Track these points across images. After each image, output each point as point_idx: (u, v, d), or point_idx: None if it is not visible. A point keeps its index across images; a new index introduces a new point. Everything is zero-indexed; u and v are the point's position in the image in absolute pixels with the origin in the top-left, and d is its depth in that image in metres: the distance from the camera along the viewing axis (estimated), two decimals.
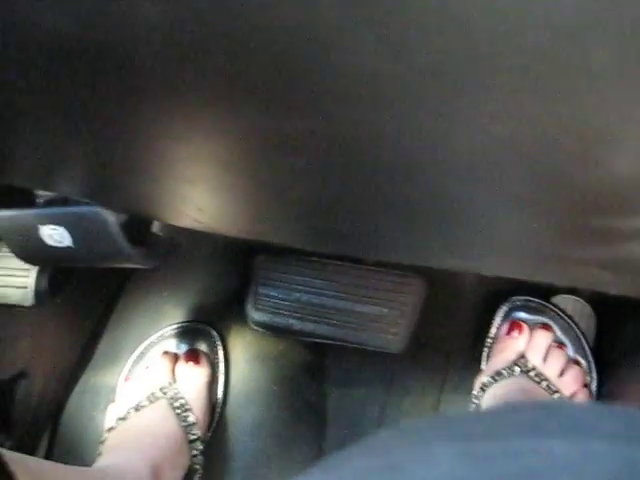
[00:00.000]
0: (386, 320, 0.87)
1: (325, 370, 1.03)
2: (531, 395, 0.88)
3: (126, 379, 0.99)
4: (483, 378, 0.92)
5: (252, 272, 0.92)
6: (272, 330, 0.92)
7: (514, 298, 0.99)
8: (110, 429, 0.92)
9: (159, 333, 1.02)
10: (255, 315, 0.91)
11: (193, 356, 0.97)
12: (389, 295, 0.88)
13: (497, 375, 0.90)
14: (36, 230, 0.58)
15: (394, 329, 0.87)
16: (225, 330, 1.02)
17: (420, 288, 0.88)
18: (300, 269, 0.91)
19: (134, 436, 0.88)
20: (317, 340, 0.92)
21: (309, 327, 0.90)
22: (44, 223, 0.57)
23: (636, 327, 0.95)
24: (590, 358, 0.95)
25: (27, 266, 0.74)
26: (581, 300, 1.01)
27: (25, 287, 0.73)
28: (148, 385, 0.95)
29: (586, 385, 0.93)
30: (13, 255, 0.72)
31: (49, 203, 0.59)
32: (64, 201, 0.59)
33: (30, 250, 0.61)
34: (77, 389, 1.03)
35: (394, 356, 1.01)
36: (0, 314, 0.87)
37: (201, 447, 0.92)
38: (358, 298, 0.88)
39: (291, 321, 0.90)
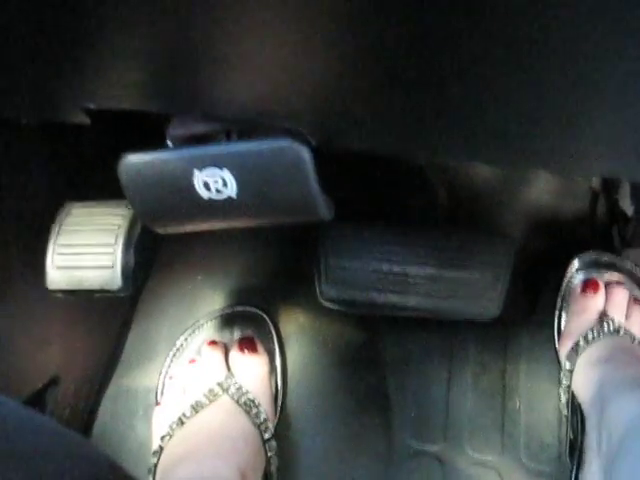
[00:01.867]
0: (480, 284, 0.78)
1: (382, 350, 0.91)
2: (634, 354, 0.81)
3: (170, 378, 0.84)
4: (570, 341, 0.84)
5: (320, 241, 0.79)
6: (349, 306, 0.80)
7: (584, 255, 0.91)
8: (164, 436, 0.77)
9: (199, 322, 0.87)
10: (328, 290, 0.79)
11: (249, 344, 0.84)
12: (481, 257, 0.78)
13: (587, 336, 0.82)
14: (189, 177, 0.44)
15: (489, 294, 0.77)
16: (276, 313, 0.89)
17: (510, 248, 0.79)
18: (376, 235, 0.80)
19: (208, 441, 0.74)
20: (401, 314, 0.81)
21: (392, 299, 0.79)
22: (204, 166, 0.44)
23: None
24: None
25: (109, 240, 0.58)
26: None
27: (111, 266, 0.58)
28: (200, 381, 0.81)
29: None
30: (90, 228, 0.57)
31: (193, 141, 0.45)
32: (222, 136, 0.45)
33: (170, 209, 0.47)
34: (109, 393, 0.87)
35: (451, 328, 0.91)
36: (31, 313, 0.70)
37: (275, 446, 0.79)
38: (446, 263, 0.78)
39: (372, 294, 0.79)
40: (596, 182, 1.06)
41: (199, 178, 0.45)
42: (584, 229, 1.02)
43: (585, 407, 0.80)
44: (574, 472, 0.82)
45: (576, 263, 0.92)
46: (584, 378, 0.81)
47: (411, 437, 0.88)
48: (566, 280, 0.92)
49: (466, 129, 0.38)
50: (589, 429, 0.78)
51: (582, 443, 0.83)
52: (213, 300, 0.91)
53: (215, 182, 0.45)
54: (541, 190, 1.01)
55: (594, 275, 0.91)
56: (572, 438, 0.85)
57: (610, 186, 1.04)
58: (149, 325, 0.91)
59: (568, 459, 0.85)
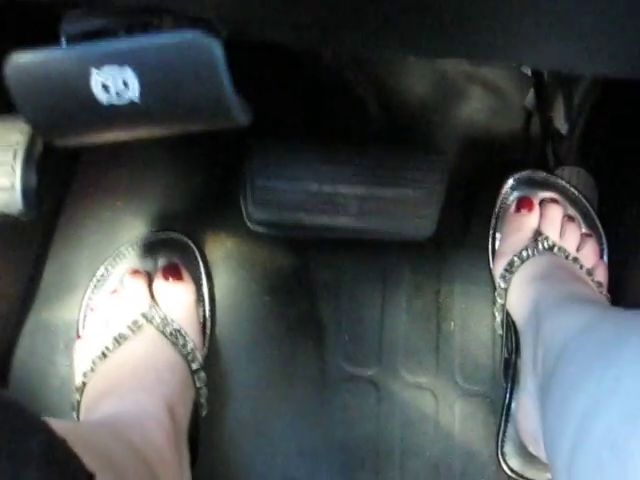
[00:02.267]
0: (414, 202, 0.74)
1: (313, 274, 0.88)
2: (569, 271, 0.79)
3: (91, 310, 0.79)
4: (504, 260, 0.83)
5: (245, 160, 0.74)
6: (277, 228, 0.76)
7: (518, 173, 0.89)
8: (87, 372, 0.73)
9: (120, 250, 0.82)
10: (255, 212, 0.75)
11: (173, 271, 0.80)
12: (415, 174, 0.75)
13: (521, 254, 0.81)
14: (86, 78, 0.39)
15: (423, 212, 0.75)
16: (201, 238, 0.84)
17: (445, 163, 0.75)
18: (304, 154, 0.76)
19: (132, 374, 0.71)
20: (333, 235, 0.78)
21: (323, 220, 0.75)
22: (102, 64, 0.38)
23: (638, 195, 0.89)
24: (600, 230, 0.89)
25: (7, 158, 0.52)
26: (583, 171, 0.93)
27: (10, 187, 0.52)
28: (123, 312, 0.77)
29: (600, 256, 0.86)
30: None
31: (90, 38, 0.40)
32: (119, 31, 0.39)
33: (66, 117, 0.41)
34: (27, 329, 0.82)
35: (384, 249, 0.89)
36: None
37: (204, 376, 0.76)
38: (378, 181, 0.75)
39: (301, 215, 0.75)
40: (530, 101, 1.03)
41: (97, 79, 0.40)
42: (518, 148, 1.00)
43: (520, 325, 0.79)
44: (508, 390, 0.82)
45: (510, 182, 0.90)
46: (519, 296, 0.80)
47: (345, 361, 0.86)
48: (500, 199, 0.90)
49: (401, 15, 0.34)
50: (524, 347, 0.77)
51: (516, 362, 0.82)
52: (134, 227, 0.86)
53: (115, 83, 0.40)
54: (474, 109, 0.98)
55: (528, 193, 0.89)
56: (506, 357, 0.84)
57: (544, 105, 1.01)
58: (67, 255, 0.86)
59: (502, 378, 0.84)
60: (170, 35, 0.37)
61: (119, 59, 0.38)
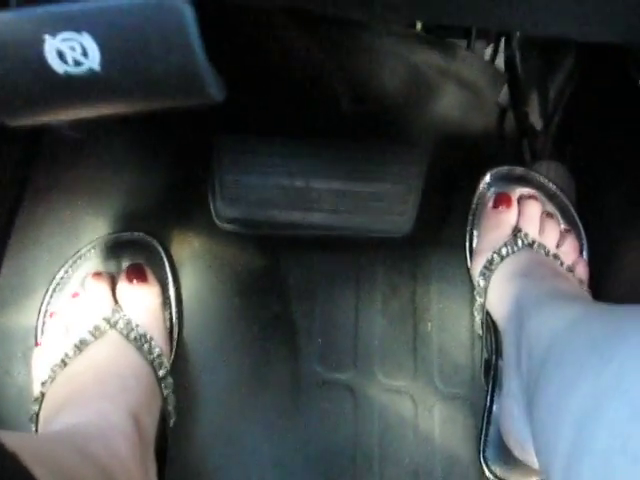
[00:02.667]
0: (391, 198, 0.71)
1: (285, 274, 0.84)
2: (550, 267, 0.77)
3: (50, 315, 0.74)
4: (483, 257, 0.80)
5: (212, 156, 0.70)
6: (247, 226, 0.72)
7: (494, 169, 0.86)
8: (45, 381, 0.68)
9: (81, 252, 0.78)
10: (224, 209, 0.71)
11: (137, 272, 0.75)
12: (391, 168, 0.72)
13: (501, 251, 0.78)
14: (39, 46, 0.35)
15: (400, 207, 0.71)
16: (166, 238, 0.80)
17: (422, 157, 0.72)
18: (275, 147, 0.72)
19: (94, 382, 0.66)
20: (306, 233, 0.74)
21: (296, 216, 0.72)
22: (57, 30, 0.34)
23: (615, 189, 0.87)
24: (580, 225, 0.86)
25: None
26: (560, 165, 0.91)
27: None
28: (84, 317, 0.72)
29: (580, 253, 0.84)
30: None
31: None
32: None
33: (17, 90, 0.37)
34: None
35: (359, 248, 0.86)
36: None
37: (171, 383, 0.71)
38: (353, 175, 0.71)
39: (272, 212, 0.71)
40: (504, 96, 1.01)
41: (52, 46, 0.35)
42: (493, 144, 0.98)
43: (501, 324, 0.76)
44: (489, 392, 0.78)
45: (487, 178, 0.87)
46: (500, 294, 0.77)
47: (319, 365, 0.82)
48: (477, 196, 0.88)
49: None
50: (506, 347, 0.74)
51: (497, 362, 0.79)
52: (96, 227, 0.81)
53: (72, 50, 0.35)
54: (449, 104, 0.95)
55: (506, 190, 0.87)
56: (487, 358, 0.81)
57: (518, 100, 0.99)
58: (24, 257, 0.81)
59: (483, 380, 0.81)
60: None
61: (76, 24, 0.34)
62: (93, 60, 0.36)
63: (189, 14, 0.34)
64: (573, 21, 0.39)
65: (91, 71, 0.36)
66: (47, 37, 0.35)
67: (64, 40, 0.35)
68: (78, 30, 0.35)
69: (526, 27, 0.38)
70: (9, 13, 0.35)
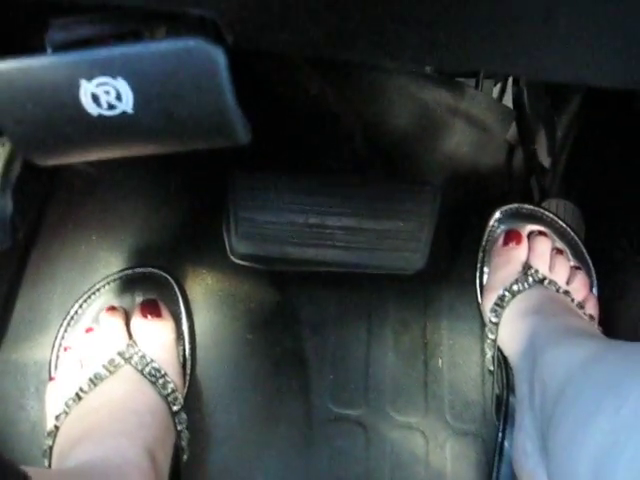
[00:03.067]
0: (404, 235, 0.72)
1: (298, 311, 0.85)
2: (561, 304, 0.77)
3: (65, 349, 0.75)
4: (494, 294, 0.80)
5: (228, 193, 0.72)
6: (261, 262, 0.73)
7: (504, 206, 0.87)
8: (60, 415, 0.68)
9: (95, 287, 0.78)
10: (239, 246, 0.72)
11: (152, 308, 0.76)
12: (404, 206, 0.72)
13: (512, 288, 0.78)
14: (74, 90, 0.36)
15: (413, 244, 0.72)
16: (180, 274, 0.81)
17: (435, 195, 0.73)
18: (290, 185, 0.73)
19: (109, 418, 0.66)
20: (319, 269, 0.74)
21: (309, 253, 0.72)
22: (93, 74, 0.35)
23: (623, 226, 0.88)
24: (589, 262, 0.87)
25: None
26: (569, 203, 0.92)
27: None
28: (99, 351, 0.73)
29: (590, 289, 0.84)
30: None
31: (78, 44, 0.37)
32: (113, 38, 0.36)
33: (51, 131, 0.38)
34: None
35: (371, 284, 0.86)
36: None
37: (185, 418, 0.72)
38: (366, 213, 0.72)
39: (286, 248, 0.72)
40: (512, 134, 1.03)
41: (87, 90, 0.36)
42: (502, 181, 0.99)
43: (514, 360, 0.76)
44: (501, 428, 0.78)
45: (497, 215, 0.88)
46: (512, 331, 0.77)
47: (331, 401, 0.82)
48: (487, 232, 0.88)
49: (424, 29, 0.31)
50: (519, 383, 0.74)
51: (508, 398, 0.79)
52: (110, 262, 0.82)
53: (107, 94, 0.37)
54: (458, 142, 0.97)
55: (516, 226, 0.88)
56: (498, 394, 0.81)
57: (526, 138, 1.01)
58: (39, 292, 0.81)
59: (495, 416, 0.81)
60: (169, 42, 0.34)
61: (111, 69, 0.35)
62: (127, 104, 0.37)
63: (222, 60, 0.35)
64: (579, 68, 0.40)
65: (124, 114, 0.37)
66: (83, 81, 0.36)
67: (99, 85, 0.36)
68: (113, 75, 0.36)
69: (533, 73, 0.39)
70: (47, 57, 0.36)
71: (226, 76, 0.35)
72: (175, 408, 0.72)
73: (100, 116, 0.37)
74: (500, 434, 0.79)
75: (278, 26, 0.33)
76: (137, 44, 0.36)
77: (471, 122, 0.97)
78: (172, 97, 0.36)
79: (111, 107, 0.37)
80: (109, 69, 0.36)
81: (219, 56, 0.35)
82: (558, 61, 0.40)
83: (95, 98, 0.37)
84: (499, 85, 1.04)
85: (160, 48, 0.35)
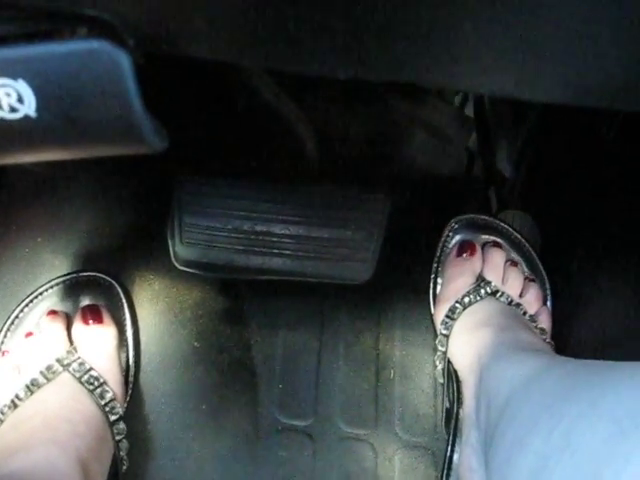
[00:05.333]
0: (351, 244, 0.71)
1: (247, 318, 0.83)
2: (512, 317, 0.76)
3: (3, 354, 0.73)
4: (446, 305, 0.79)
5: (173, 198, 0.70)
6: (207, 269, 0.71)
7: (460, 217, 0.86)
8: None
9: (38, 290, 0.76)
10: (184, 252, 0.70)
11: (94, 313, 0.74)
12: (353, 214, 0.71)
13: (463, 300, 0.77)
14: None
15: (361, 254, 0.71)
16: (126, 279, 0.79)
17: (384, 204, 0.72)
18: (236, 191, 0.71)
19: (43, 426, 0.64)
20: (266, 277, 0.73)
21: (256, 261, 0.71)
22: None
23: (579, 240, 0.87)
24: (544, 274, 0.86)
25: None
26: (526, 215, 0.91)
27: None
28: (37, 357, 0.71)
29: (544, 302, 0.84)
30: None
31: None
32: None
33: None
34: None
35: (322, 293, 0.85)
36: None
37: (124, 429, 0.70)
38: (315, 221, 0.71)
39: (232, 256, 0.70)
40: (472, 142, 1.02)
41: None
42: (460, 191, 0.98)
43: (462, 374, 0.75)
44: (450, 442, 0.77)
45: (452, 225, 0.87)
46: (461, 344, 0.76)
47: (279, 412, 0.81)
48: (442, 243, 0.87)
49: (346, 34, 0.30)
50: (466, 398, 0.73)
51: (458, 412, 0.78)
52: (54, 265, 0.80)
53: (8, 96, 0.35)
54: (416, 150, 0.95)
55: (470, 237, 0.86)
56: (448, 407, 0.80)
57: (487, 147, 1.00)
58: None
59: (444, 429, 0.80)
60: (70, 44, 0.33)
61: (11, 70, 0.34)
62: (29, 107, 0.35)
63: (125, 62, 0.33)
64: (523, 83, 0.38)
65: (27, 117, 0.35)
66: None
67: (0, 87, 0.34)
68: (14, 77, 0.34)
69: (476, 87, 0.37)
70: None
71: (130, 80, 0.33)
72: (113, 418, 0.70)
73: (2, 120, 0.35)
74: (449, 448, 0.78)
75: (180, 30, 0.31)
76: (38, 45, 0.34)
77: (431, 130, 0.96)
78: (75, 100, 0.34)
79: (13, 110, 0.35)
80: (9, 70, 0.34)
81: (122, 59, 0.33)
82: (496, 75, 0.39)
83: None
84: (460, 94, 1.03)
85: (61, 49, 0.33)
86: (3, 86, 0.34)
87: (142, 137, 0.35)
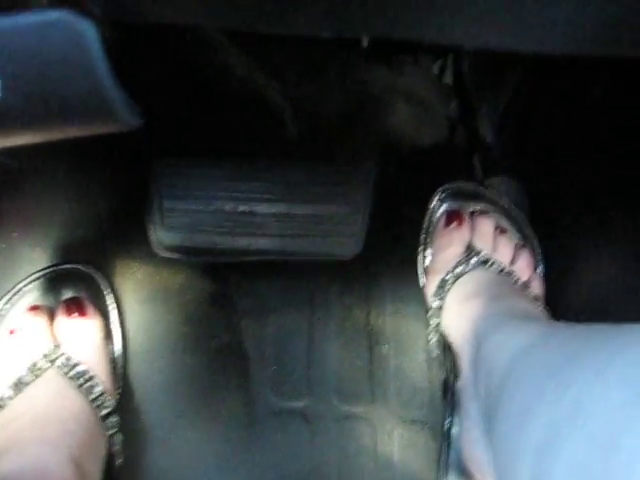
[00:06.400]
0: (338, 219, 0.69)
1: (235, 301, 0.81)
2: (505, 285, 0.75)
3: None
4: (437, 277, 0.78)
5: (151, 182, 0.68)
6: (191, 254, 0.69)
7: (445, 186, 0.84)
8: None
9: (18, 286, 0.74)
10: (165, 237, 0.68)
11: (76, 306, 0.72)
12: (337, 189, 0.69)
13: (454, 271, 0.76)
14: None
15: (348, 229, 0.69)
16: (108, 269, 0.76)
17: (369, 176, 0.70)
18: (216, 171, 0.69)
19: (32, 425, 0.62)
20: (252, 259, 0.71)
21: (240, 243, 0.69)
22: None
23: (568, 202, 0.86)
24: (534, 240, 0.85)
25: None
26: (513, 180, 0.90)
27: None
28: (22, 354, 0.68)
29: (535, 269, 0.82)
30: None
31: None
32: None
33: None
34: None
35: (310, 271, 0.83)
36: None
37: (117, 422, 0.68)
38: (299, 198, 0.69)
39: (215, 238, 0.68)
40: (453, 110, 1.00)
41: None
42: (444, 160, 0.96)
43: (457, 345, 0.74)
44: (448, 414, 0.76)
45: (438, 195, 0.85)
46: (454, 315, 0.75)
47: (273, 394, 0.79)
48: (429, 213, 0.86)
49: None
50: (463, 369, 0.72)
51: (454, 384, 0.77)
52: (33, 259, 0.78)
53: None
54: (397, 121, 0.93)
55: (457, 207, 0.85)
56: (444, 379, 0.79)
57: (468, 115, 0.98)
58: None
59: (442, 402, 0.78)
60: (30, 15, 0.30)
61: None
62: None
63: (91, 33, 0.31)
64: (510, 33, 0.37)
65: None
66: None
67: None
68: None
69: (466, 40, 0.36)
70: None
71: (97, 52, 0.31)
72: (104, 412, 0.68)
73: None
74: (447, 420, 0.77)
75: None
76: None
77: (410, 99, 0.94)
78: (40, 77, 0.32)
79: None
80: None
81: (87, 29, 0.31)
82: (492, 28, 0.37)
83: None
84: (439, 62, 1.01)
85: (22, 22, 0.31)
86: None
87: (114, 114, 0.33)
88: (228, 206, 0.70)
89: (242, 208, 0.70)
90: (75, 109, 0.34)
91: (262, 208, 0.70)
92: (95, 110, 0.34)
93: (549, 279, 0.84)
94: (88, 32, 0.31)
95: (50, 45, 0.31)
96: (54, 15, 0.31)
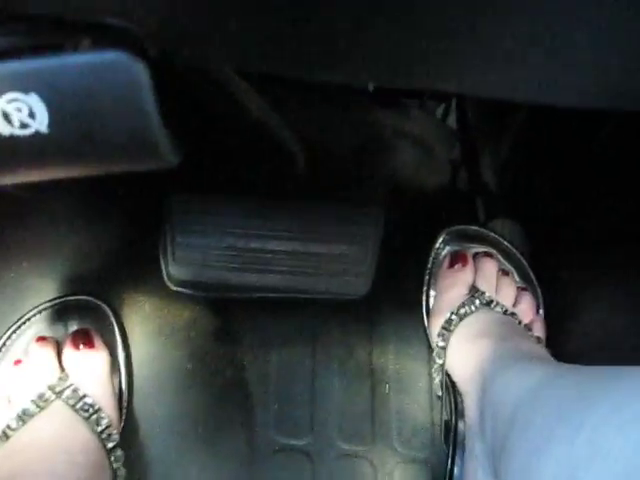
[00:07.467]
0: (348, 259, 0.70)
1: (239, 338, 0.82)
2: (509, 326, 0.76)
3: None
4: (441, 317, 0.79)
5: (164, 217, 0.68)
6: (200, 289, 0.70)
7: (450, 228, 0.86)
8: None
9: (26, 316, 0.74)
10: (176, 272, 0.68)
11: (84, 338, 0.72)
12: (347, 229, 0.70)
13: (459, 311, 0.77)
14: None
15: (358, 268, 0.70)
16: (116, 301, 0.77)
17: (379, 217, 0.71)
18: (229, 208, 0.70)
19: (39, 458, 0.62)
20: (261, 295, 0.71)
21: (251, 279, 0.69)
22: (2, 91, 0.32)
23: (569, 246, 0.88)
24: (535, 283, 0.86)
25: None
26: (515, 223, 0.91)
27: None
28: (28, 385, 0.69)
29: (537, 311, 0.84)
30: None
31: None
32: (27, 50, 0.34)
33: None
34: None
35: (314, 310, 0.84)
36: None
37: (121, 455, 0.68)
38: (310, 236, 0.70)
39: (226, 274, 0.69)
40: (456, 155, 1.02)
41: None
42: (448, 202, 0.97)
43: (462, 386, 0.74)
44: (450, 454, 0.76)
45: (443, 236, 0.87)
46: (460, 355, 0.75)
47: (275, 432, 0.79)
48: (433, 255, 0.87)
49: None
50: (468, 409, 0.72)
51: (457, 424, 0.77)
52: (42, 290, 0.78)
53: (19, 112, 0.33)
54: (402, 163, 0.95)
55: (461, 248, 0.86)
56: (446, 420, 0.79)
57: (471, 158, 1.00)
58: None
59: (444, 442, 0.79)
60: (86, 55, 0.32)
61: (23, 84, 0.32)
62: (41, 122, 0.34)
63: (143, 74, 0.32)
64: (513, 84, 0.38)
65: (38, 133, 0.34)
66: None
67: (10, 101, 0.33)
68: (25, 90, 0.33)
69: (467, 89, 0.37)
70: None
71: (148, 92, 0.32)
72: (110, 445, 0.68)
73: (12, 136, 0.34)
74: (449, 461, 0.77)
75: (206, 39, 0.30)
76: (52, 58, 0.32)
77: (415, 143, 0.96)
78: (90, 115, 0.33)
79: (23, 126, 0.34)
80: (20, 84, 0.33)
81: (141, 71, 0.32)
82: (493, 78, 0.38)
83: (6, 116, 0.33)
84: (443, 105, 1.03)
85: (76, 61, 0.32)
86: (14, 101, 0.33)
87: (159, 152, 0.34)
88: (239, 242, 0.71)
89: (253, 244, 0.71)
90: (121, 147, 0.35)
91: (273, 245, 0.72)
92: (141, 148, 0.35)
93: (549, 321, 0.85)
94: (142, 74, 0.32)
95: (102, 84, 0.33)
96: (109, 56, 0.32)
